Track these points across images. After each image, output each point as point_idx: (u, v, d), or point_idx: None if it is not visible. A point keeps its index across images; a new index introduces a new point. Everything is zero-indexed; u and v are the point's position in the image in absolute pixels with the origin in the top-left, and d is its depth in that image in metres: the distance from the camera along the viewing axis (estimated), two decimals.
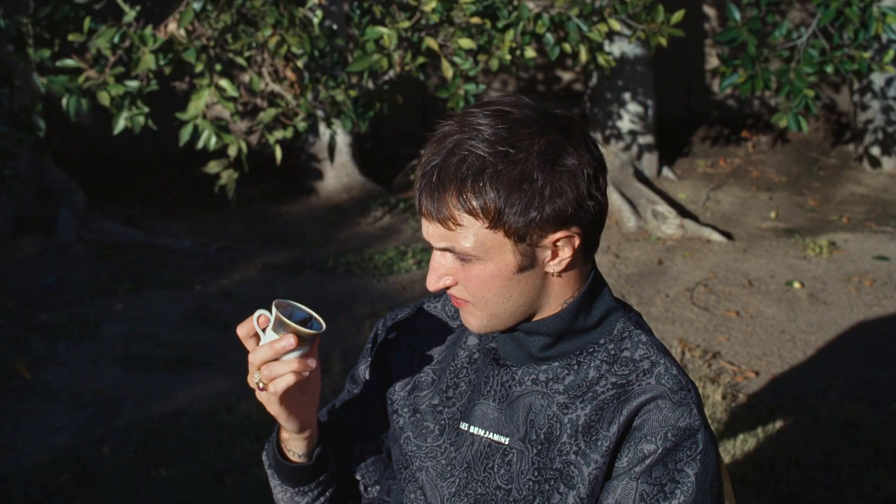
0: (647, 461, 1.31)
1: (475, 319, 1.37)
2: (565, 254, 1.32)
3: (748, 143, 7.58)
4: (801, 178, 7.07)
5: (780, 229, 6.09)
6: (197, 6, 4.37)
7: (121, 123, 4.40)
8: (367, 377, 1.57)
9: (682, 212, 6.27)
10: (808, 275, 5.17)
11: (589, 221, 1.33)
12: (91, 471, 3.36)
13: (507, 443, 1.37)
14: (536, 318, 1.38)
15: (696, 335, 4.46)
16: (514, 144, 1.27)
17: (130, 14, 4.41)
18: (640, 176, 6.67)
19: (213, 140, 4.35)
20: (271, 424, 3.60)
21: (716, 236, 5.85)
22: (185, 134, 4.36)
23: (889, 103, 6.98)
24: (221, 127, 4.38)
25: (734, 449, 3.45)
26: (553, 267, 1.33)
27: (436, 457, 1.43)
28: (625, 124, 6.75)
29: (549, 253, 1.32)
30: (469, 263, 1.32)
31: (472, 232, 1.29)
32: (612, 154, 6.73)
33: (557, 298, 1.37)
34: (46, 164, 5.98)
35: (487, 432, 1.39)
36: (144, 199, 6.70)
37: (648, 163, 6.83)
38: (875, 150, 7.08)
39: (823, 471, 3.31)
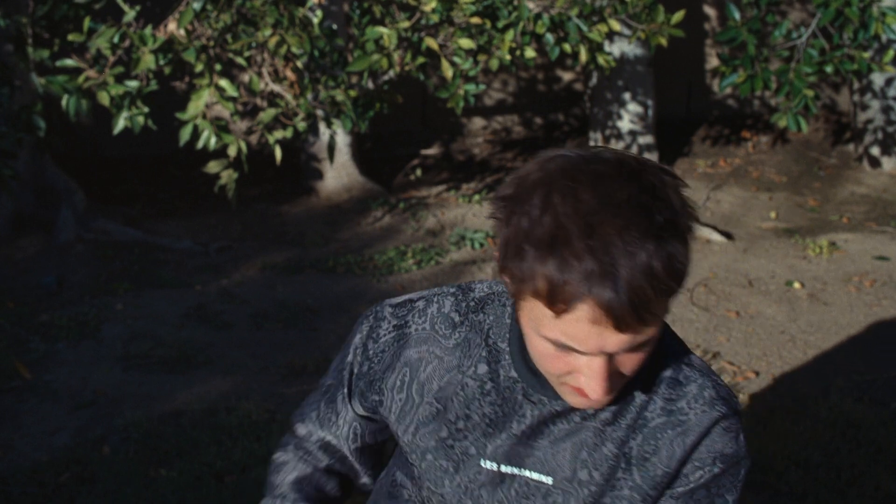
0: (691, 485, 1.30)
1: (609, 397, 1.19)
2: None
3: (748, 143, 7.59)
4: (801, 178, 7.07)
5: (780, 229, 6.09)
6: (197, 6, 4.37)
7: (121, 123, 4.40)
8: (352, 411, 1.45)
9: None
10: (808, 275, 5.17)
11: None
12: (91, 471, 3.36)
13: (550, 483, 1.29)
14: None
15: (696, 335, 4.46)
16: (657, 196, 1.13)
17: (130, 14, 4.41)
18: None
19: (213, 140, 4.35)
20: (271, 424, 3.61)
21: (716, 236, 5.85)
22: (185, 134, 4.36)
23: (889, 103, 6.98)
24: (221, 127, 4.38)
25: None
26: None
27: (460, 499, 1.35)
28: (625, 124, 6.75)
29: None
30: (641, 347, 1.15)
31: (662, 312, 1.12)
32: None
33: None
34: (46, 164, 5.98)
35: (524, 471, 1.30)
36: (144, 199, 6.70)
37: None
38: (875, 150, 7.08)
39: (823, 471, 3.31)
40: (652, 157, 6.83)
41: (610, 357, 1.14)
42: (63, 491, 3.25)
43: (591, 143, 6.93)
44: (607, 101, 6.79)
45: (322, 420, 1.48)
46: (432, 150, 7.58)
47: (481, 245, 5.71)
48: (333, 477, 1.50)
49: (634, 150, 6.76)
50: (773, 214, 6.37)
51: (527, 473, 1.30)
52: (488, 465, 1.31)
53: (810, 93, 4.70)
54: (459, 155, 7.55)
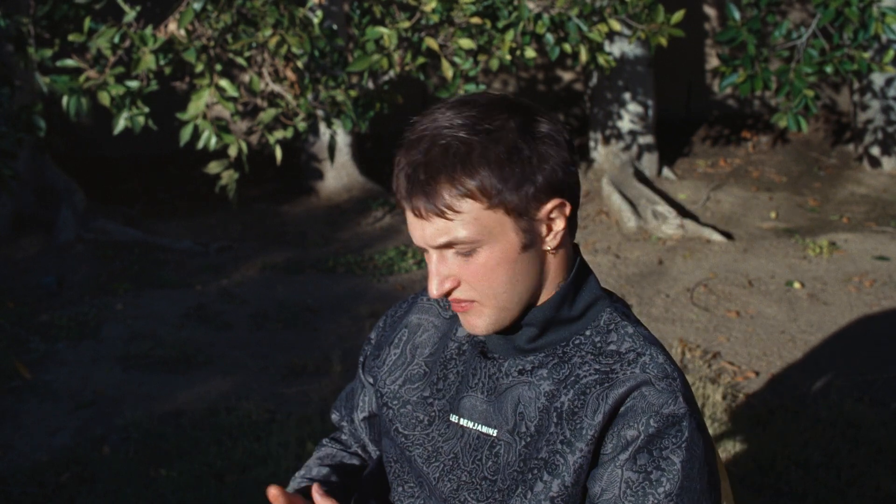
0: (631, 448, 1.30)
1: (483, 319, 1.35)
2: (559, 226, 1.32)
3: (748, 143, 7.59)
4: (802, 178, 7.07)
5: (780, 229, 6.09)
6: (197, 6, 4.37)
7: (121, 123, 4.40)
8: (363, 378, 1.60)
9: (683, 212, 6.27)
10: (808, 275, 5.16)
11: (574, 189, 1.33)
12: (91, 471, 3.36)
13: (495, 435, 1.37)
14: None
15: (696, 335, 4.46)
16: (491, 122, 1.28)
17: (130, 14, 4.41)
18: (640, 176, 6.67)
19: (213, 140, 4.35)
20: (271, 424, 3.61)
21: (716, 236, 5.84)
22: (186, 134, 4.36)
23: (889, 103, 6.98)
24: (221, 127, 4.38)
25: (734, 449, 3.45)
26: (550, 242, 1.33)
27: (423, 444, 1.43)
28: (625, 124, 6.75)
29: (544, 227, 1.32)
30: (473, 254, 1.30)
31: (472, 216, 1.27)
32: (612, 154, 6.73)
33: (553, 282, 1.36)
34: (46, 164, 5.98)
35: (476, 424, 1.39)
36: (144, 199, 6.70)
37: (648, 163, 6.83)
38: (875, 150, 7.08)
39: (823, 471, 3.31)
40: (652, 156, 6.83)
41: (440, 255, 1.31)
42: (63, 491, 3.25)
43: (591, 143, 6.93)
44: (607, 101, 6.79)
45: (346, 401, 1.65)
46: None
47: None
48: (356, 456, 1.63)
49: (634, 149, 6.76)
50: (773, 214, 6.37)
51: (477, 426, 1.39)
52: (454, 419, 1.41)
53: (810, 93, 4.70)
54: None
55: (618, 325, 1.38)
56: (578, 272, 1.39)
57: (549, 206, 1.30)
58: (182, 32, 4.41)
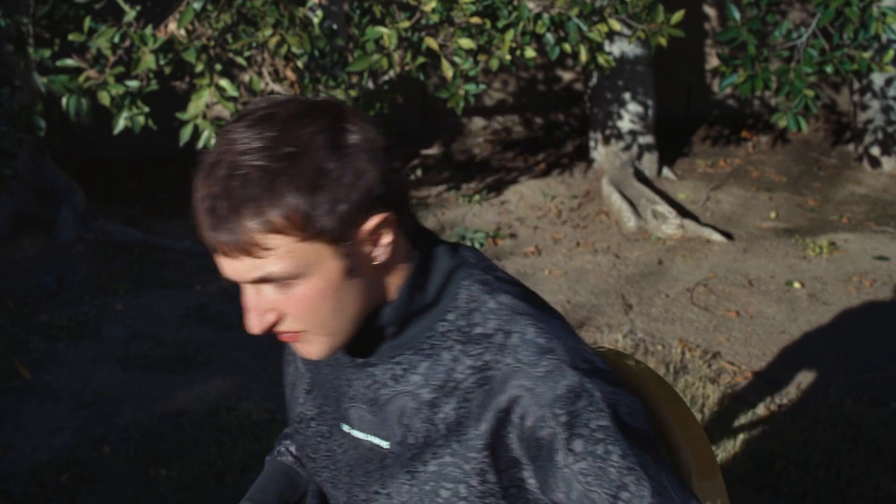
0: (559, 445, 1.19)
1: (315, 347, 1.24)
2: (387, 238, 1.21)
3: (748, 143, 7.59)
4: (801, 178, 7.07)
5: (780, 229, 6.09)
6: (197, 6, 4.37)
7: (121, 123, 4.41)
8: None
9: (683, 212, 6.27)
10: (808, 275, 5.16)
11: (398, 197, 1.21)
12: (91, 471, 3.36)
13: (387, 447, 1.29)
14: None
15: (696, 335, 4.46)
16: (293, 142, 1.14)
17: (130, 14, 4.41)
18: (640, 176, 6.67)
19: (213, 140, 4.35)
20: (271, 424, 3.61)
21: (716, 236, 5.85)
22: (186, 134, 4.36)
23: (889, 103, 6.98)
24: (221, 127, 4.38)
25: (734, 449, 3.45)
26: (380, 257, 1.22)
27: (327, 466, 1.38)
28: (625, 124, 6.75)
29: (368, 246, 1.21)
30: (291, 287, 1.18)
31: (284, 251, 1.15)
32: (612, 154, 6.73)
33: (392, 285, 1.26)
34: (46, 164, 5.98)
35: (367, 435, 1.31)
36: (144, 199, 6.70)
37: (648, 163, 6.83)
38: (875, 150, 7.08)
39: (823, 471, 3.31)
40: (652, 156, 6.83)
41: (255, 288, 1.19)
42: (63, 491, 3.25)
43: (591, 143, 6.93)
44: (607, 101, 6.79)
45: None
46: (432, 150, 7.58)
47: (481, 245, 5.71)
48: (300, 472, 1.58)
49: (634, 149, 6.76)
50: (773, 214, 6.37)
51: (369, 437, 1.31)
52: (346, 428, 1.34)
53: (810, 93, 4.70)
54: (459, 155, 7.55)
55: (479, 302, 1.27)
56: (423, 255, 1.27)
57: (371, 223, 1.19)
58: (182, 32, 4.41)
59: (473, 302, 1.27)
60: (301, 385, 1.44)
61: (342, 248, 1.18)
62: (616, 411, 1.20)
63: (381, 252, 1.22)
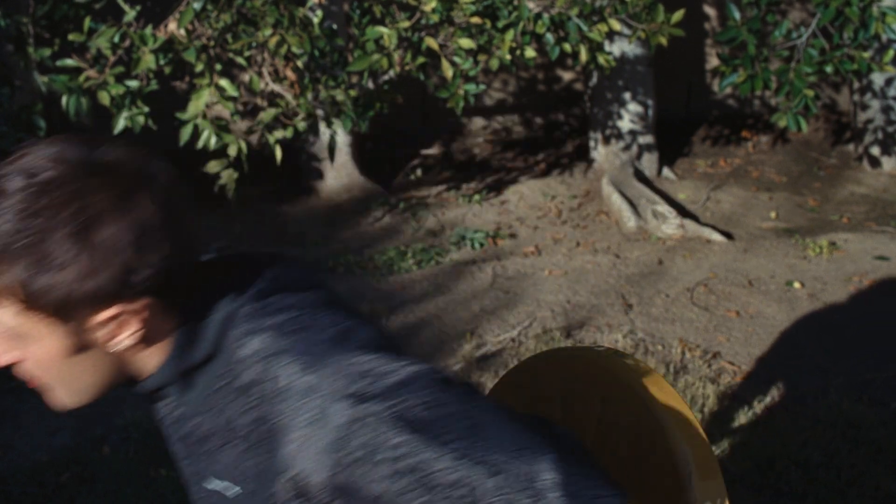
0: (362, 482, 1.09)
1: (59, 398, 1.20)
2: (132, 327, 1.14)
3: (748, 143, 7.59)
4: (801, 178, 7.08)
5: (780, 229, 6.09)
6: (197, 6, 4.37)
7: (121, 123, 4.41)
8: None
9: (683, 212, 6.27)
10: (808, 275, 5.16)
11: (152, 285, 1.12)
12: (91, 471, 3.36)
13: (232, 493, 1.22)
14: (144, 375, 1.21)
15: (696, 335, 4.46)
16: (39, 213, 1.07)
17: (130, 14, 4.41)
18: (640, 176, 6.67)
19: (213, 140, 4.35)
20: None
21: (716, 236, 5.85)
22: (185, 134, 4.36)
23: (889, 103, 6.98)
24: (221, 127, 4.38)
25: (734, 449, 3.45)
26: (121, 344, 1.15)
27: None
28: (625, 124, 6.75)
29: (107, 330, 1.14)
30: (26, 342, 1.15)
31: (14, 310, 1.11)
32: (612, 154, 6.74)
33: (154, 353, 1.19)
34: None
35: (211, 483, 1.25)
36: None
37: (648, 163, 6.83)
38: (875, 150, 7.08)
39: (823, 471, 3.31)
40: (652, 156, 6.83)
41: None
42: (63, 491, 3.25)
43: (591, 143, 6.93)
44: (607, 101, 6.79)
45: None
46: (432, 150, 7.58)
47: (481, 245, 5.71)
48: None
49: (634, 149, 6.76)
50: (773, 214, 6.37)
51: (212, 486, 1.25)
52: (206, 484, 1.27)
53: (810, 93, 4.70)
54: (459, 155, 7.55)
55: (244, 346, 1.18)
56: (194, 311, 1.19)
57: (107, 314, 1.12)
58: (182, 32, 4.41)
59: (240, 349, 1.18)
60: (175, 453, 1.39)
61: (68, 328, 1.12)
62: (406, 418, 1.09)
63: (124, 337, 1.15)
